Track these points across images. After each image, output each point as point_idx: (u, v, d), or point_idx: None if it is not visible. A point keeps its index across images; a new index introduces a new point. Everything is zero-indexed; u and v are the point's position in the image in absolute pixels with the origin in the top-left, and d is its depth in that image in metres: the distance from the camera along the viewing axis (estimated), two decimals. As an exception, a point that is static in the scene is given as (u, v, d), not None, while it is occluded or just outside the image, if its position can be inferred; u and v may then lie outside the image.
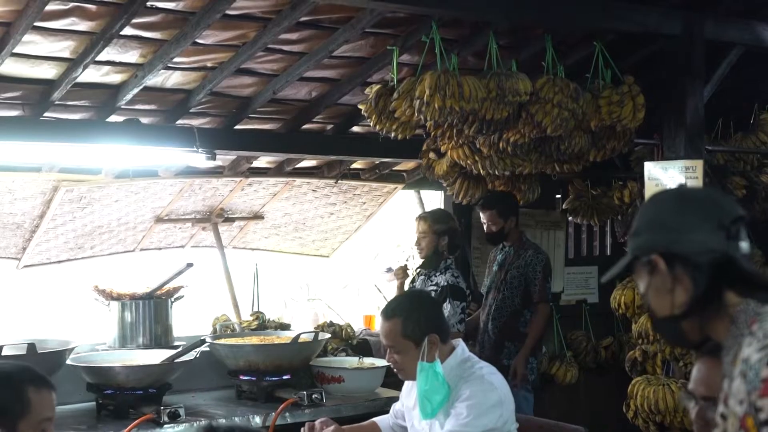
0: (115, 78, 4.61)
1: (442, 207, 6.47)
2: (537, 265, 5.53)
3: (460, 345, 3.48)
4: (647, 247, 1.99)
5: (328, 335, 5.30)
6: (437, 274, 5.35)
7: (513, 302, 5.55)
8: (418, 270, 5.51)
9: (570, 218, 6.49)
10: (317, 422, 3.53)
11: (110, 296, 5.11)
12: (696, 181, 4.88)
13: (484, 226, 5.68)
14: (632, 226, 2.08)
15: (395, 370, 3.48)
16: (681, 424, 4.91)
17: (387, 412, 3.90)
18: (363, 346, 5.70)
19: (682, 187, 2.12)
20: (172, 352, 4.64)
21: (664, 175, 5.03)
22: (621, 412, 5.26)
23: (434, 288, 5.29)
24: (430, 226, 5.40)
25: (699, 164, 4.90)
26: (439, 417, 3.38)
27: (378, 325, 5.86)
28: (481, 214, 5.67)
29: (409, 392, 3.62)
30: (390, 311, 3.42)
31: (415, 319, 3.35)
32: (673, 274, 1.96)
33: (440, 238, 5.38)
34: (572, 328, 6.54)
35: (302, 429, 3.53)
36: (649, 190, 5.08)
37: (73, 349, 4.55)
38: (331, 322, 5.87)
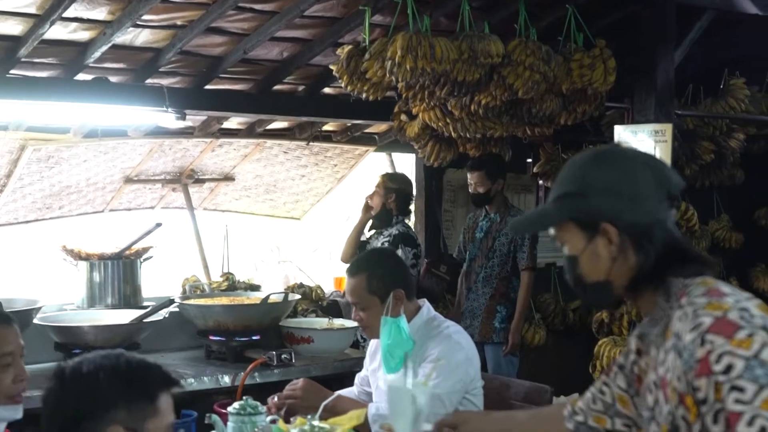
0: (83, 35, 4.54)
1: (414, 169, 6.50)
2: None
3: (426, 305, 3.50)
4: (597, 213, 1.93)
5: (298, 296, 5.30)
6: (389, 228, 5.53)
7: (503, 269, 5.57)
8: (372, 232, 5.61)
9: (540, 182, 6.51)
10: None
11: (78, 256, 5.08)
12: (665, 144, 4.92)
13: (470, 188, 5.66)
14: (569, 182, 2.00)
15: (361, 327, 3.50)
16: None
17: (356, 372, 3.92)
18: (333, 308, 5.71)
19: (626, 147, 2.09)
20: (141, 312, 4.63)
21: (634, 138, 5.06)
22: (587, 372, 5.33)
23: (387, 239, 5.46)
24: (384, 182, 5.61)
25: (668, 128, 4.93)
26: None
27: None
28: (469, 175, 5.65)
29: (374, 354, 3.63)
30: (355, 268, 3.44)
31: (379, 274, 3.36)
32: (620, 243, 1.93)
33: (389, 195, 5.54)
34: (541, 291, 6.59)
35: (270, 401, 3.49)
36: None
37: (40, 308, 4.53)
38: (301, 283, 5.87)
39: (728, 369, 1.67)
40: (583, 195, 1.95)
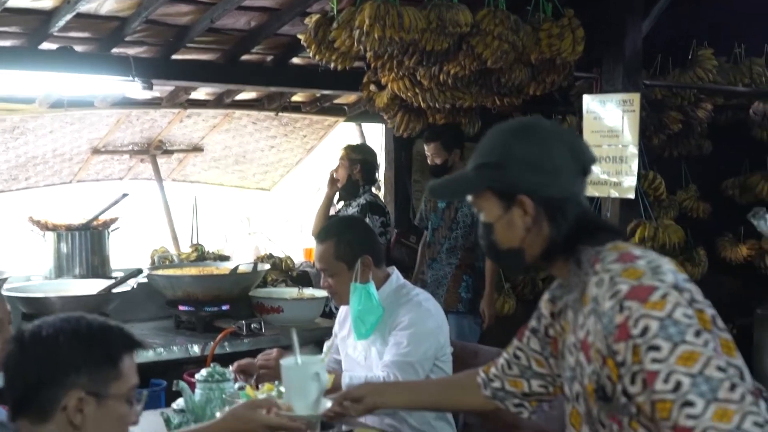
0: (47, 3, 4.48)
1: (383, 140, 6.49)
2: None
3: (395, 273, 3.51)
4: (515, 186, 1.99)
5: (267, 266, 5.31)
6: (357, 198, 5.52)
7: (467, 240, 5.50)
8: (341, 204, 5.60)
9: (510, 152, 6.50)
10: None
11: (45, 227, 5.04)
12: (633, 114, 4.94)
13: (428, 159, 5.64)
14: (490, 152, 2.04)
15: (329, 295, 3.51)
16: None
17: (325, 342, 3.93)
18: (303, 278, 5.72)
19: (546, 122, 2.13)
20: (109, 282, 4.61)
21: (602, 108, 5.08)
22: (556, 341, 5.36)
23: (356, 209, 5.45)
24: (347, 154, 5.59)
25: (636, 98, 4.95)
26: (375, 342, 3.42)
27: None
28: (425, 147, 5.63)
29: (343, 322, 3.65)
30: (323, 234, 3.45)
31: (347, 240, 3.37)
32: (535, 215, 1.99)
33: (353, 166, 5.53)
34: (511, 261, 6.60)
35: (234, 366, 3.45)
36: (588, 124, 5.13)
37: (6, 279, 4.50)
38: (270, 254, 5.87)
39: (644, 331, 1.75)
40: (503, 166, 2.00)
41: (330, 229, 3.50)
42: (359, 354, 3.53)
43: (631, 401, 1.81)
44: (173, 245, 5.95)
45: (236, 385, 3.00)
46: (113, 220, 5.19)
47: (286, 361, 2.49)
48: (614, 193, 4.96)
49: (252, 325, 4.65)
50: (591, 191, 4.95)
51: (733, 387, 1.68)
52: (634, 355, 1.76)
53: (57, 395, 1.85)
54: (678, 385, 1.69)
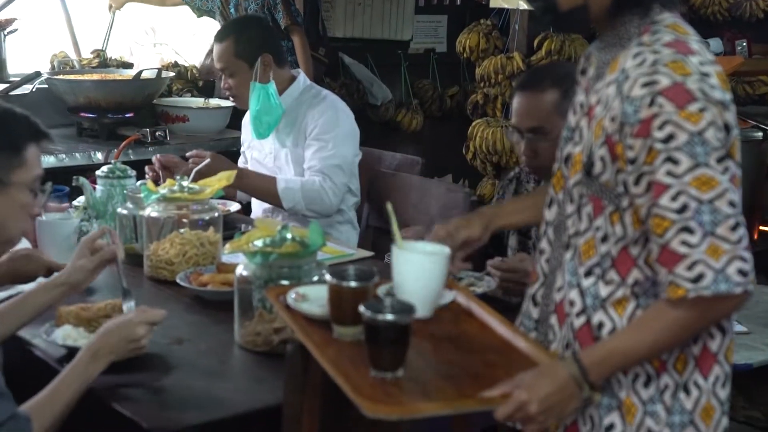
0: None
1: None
2: None
3: (301, 74, 3.49)
4: None
5: (172, 74, 5.21)
6: None
7: None
8: None
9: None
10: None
11: (-66, 27, 4.82)
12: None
13: None
14: None
15: (231, 97, 3.46)
16: (516, 163, 5.14)
17: (233, 153, 3.96)
18: (208, 88, 5.62)
19: None
20: (6, 86, 4.47)
21: None
22: (461, 154, 5.46)
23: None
24: None
25: None
26: (286, 143, 3.43)
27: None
28: None
29: (246, 126, 3.65)
30: (222, 33, 3.42)
31: (246, 38, 3.35)
32: None
33: None
34: (419, 77, 6.62)
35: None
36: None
37: None
38: (176, 62, 5.74)
39: (669, 138, 1.58)
40: None
41: (228, 27, 3.47)
42: (266, 156, 3.55)
43: (627, 195, 1.67)
44: (74, 51, 5.74)
45: (138, 183, 2.98)
46: (9, 21, 4.98)
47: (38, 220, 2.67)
48: (522, 5, 4.94)
49: (157, 133, 4.60)
50: (500, 3, 4.93)
51: (735, 227, 1.58)
52: (648, 156, 1.60)
53: None
54: (684, 208, 1.58)
